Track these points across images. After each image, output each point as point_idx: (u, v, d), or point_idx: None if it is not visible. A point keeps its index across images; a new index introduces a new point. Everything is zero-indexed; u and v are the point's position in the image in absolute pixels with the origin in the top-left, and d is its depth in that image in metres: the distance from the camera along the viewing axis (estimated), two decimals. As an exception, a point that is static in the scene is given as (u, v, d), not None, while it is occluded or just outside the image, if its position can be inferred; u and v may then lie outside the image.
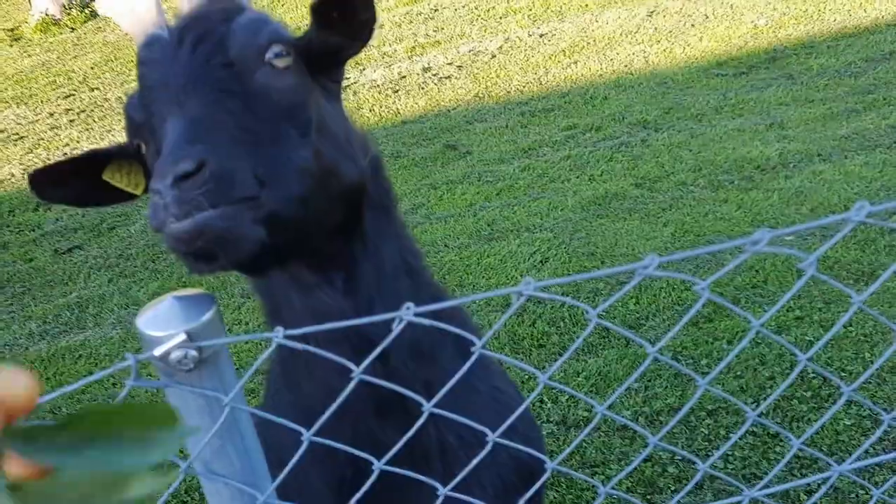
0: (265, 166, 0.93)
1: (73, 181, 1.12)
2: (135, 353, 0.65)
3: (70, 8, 8.45)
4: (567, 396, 2.97)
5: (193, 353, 0.67)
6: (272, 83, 1.01)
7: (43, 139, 6.07)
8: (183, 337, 0.67)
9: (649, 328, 3.22)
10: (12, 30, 8.54)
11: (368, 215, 1.09)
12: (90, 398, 3.23)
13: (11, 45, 8.19)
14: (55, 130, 6.18)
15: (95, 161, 1.15)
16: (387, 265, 1.10)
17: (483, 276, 3.74)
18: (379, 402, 1.08)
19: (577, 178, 4.42)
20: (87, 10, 8.47)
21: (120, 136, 5.85)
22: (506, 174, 4.60)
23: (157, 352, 0.66)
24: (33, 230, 4.81)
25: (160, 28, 1.01)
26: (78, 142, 5.92)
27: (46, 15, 8.41)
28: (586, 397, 0.95)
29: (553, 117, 5.17)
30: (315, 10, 1.03)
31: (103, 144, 5.74)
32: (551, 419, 2.90)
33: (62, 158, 1.15)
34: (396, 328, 0.75)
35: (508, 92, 5.61)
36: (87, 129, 6.10)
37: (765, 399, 2.84)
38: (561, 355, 3.20)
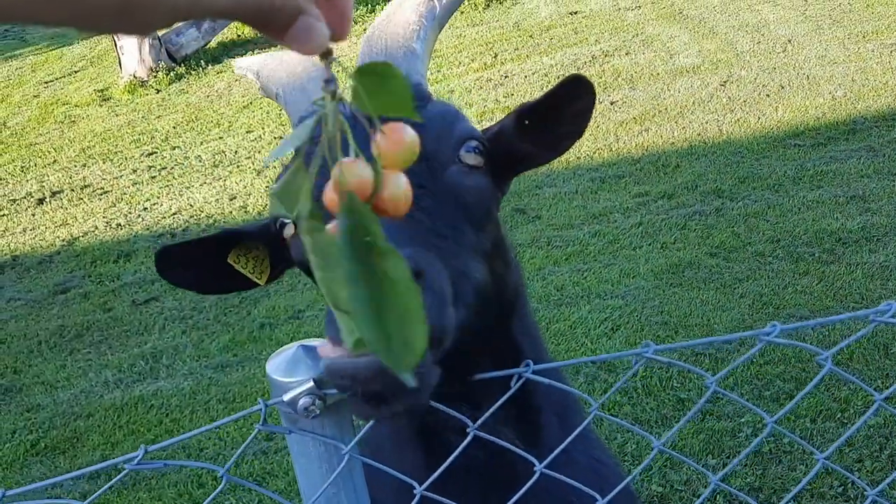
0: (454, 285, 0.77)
1: (199, 263, 1.04)
2: (264, 399, 0.65)
3: (157, 71, 8.88)
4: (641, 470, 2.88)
5: (320, 400, 0.67)
6: (463, 182, 0.90)
7: (126, 194, 6.31)
8: (310, 384, 0.67)
9: (727, 402, 3.11)
10: (102, 90, 9.01)
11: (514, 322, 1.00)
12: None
13: (101, 105, 8.62)
14: (137, 186, 6.43)
15: (224, 242, 1.06)
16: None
17: (552, 342, 3.68)
18: (479, 473, 1.05)
19: (649, 245, 4.36)
20: (172, 73, 8.89)
21: (198, 193, 6.05)
22: (575, 239, 4.58)
23: (286, 397, 0.67)
24: (113, 281, 4.97)
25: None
26: (158, 197, 6.14)
27: (134, 77, 8.86)
28: (698, 465, 0.91)
29: (624, 184, 5.15)
30: (521, 114, 0.95)
31: (183, 201, 5.97)
32: (624, 492, 2.80)
33: (192, 239, 1.08)
34: (515, 385, 0.74)
35: (578, 158, 5.62)
36: (168, 186, 6.33)
37: (852, 484, 2.69)
38: (633, 426, 3.11)
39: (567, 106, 0.98)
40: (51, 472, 3.29)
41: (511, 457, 0.93)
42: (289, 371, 0.68)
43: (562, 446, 0.81)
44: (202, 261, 1.04)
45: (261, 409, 0.65)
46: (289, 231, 0.97)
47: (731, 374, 3.21)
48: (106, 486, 0.68)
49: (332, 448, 0.71)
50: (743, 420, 2.96)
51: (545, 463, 0.81)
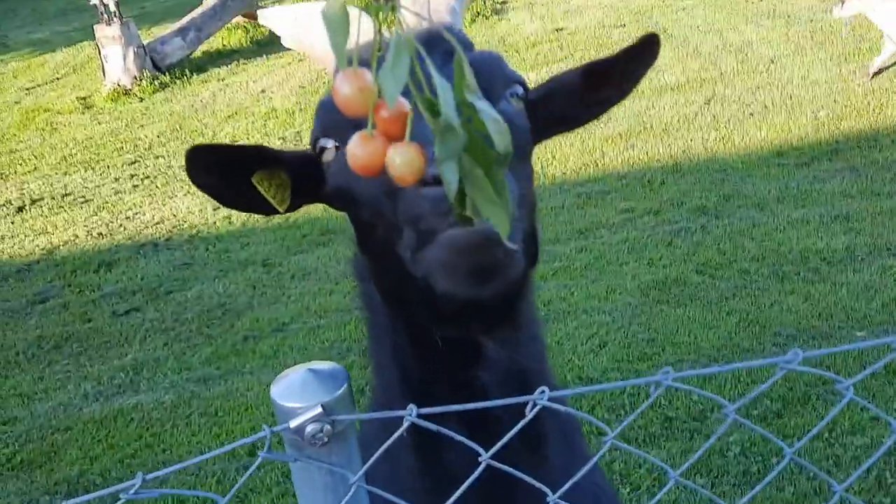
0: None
1: (225, 171, 1.02)
2: (269, 426, 0.62)
3: (141, 79, 8.80)
4: (629, 489, 2.85)
5: (328, 427, 0.64)
6: (512, 118, 0.94)
7: (108, 203, 6.23)
8: (319, 410, 0.64)
9: (715, 420, 3.10)
10: (85, 98, 8.90)
11: (522, 304, 1.03)
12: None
13: (83, 113, 8.52)
14: (119, 195, 6.35)
15: (256, 158, 1.05)
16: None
17: (539, 358, 3.66)
18: (476, 487, 1.02)
19: (636, 261, 4.37)
20: (156, 82, 8.81)
21: (181, 202, 5.98)
22: (562, 255, 4.57)
23: (293, 424, 0.64)
24: (93, 291, 4.89)
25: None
26: (140, 207, 6.07)
27: (118, 85, 8.76)
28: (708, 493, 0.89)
29: (610, 200, 5.16)
30: (589, 72, 1.02)
31: (165, 210, 5.89)
32: (613, 512, 2.78)
33: (225, 143, 1.08)
34: (530, 413, 0.72)
35: (564, 173, 5.63)
36: (150, 195, 6.26)
37: None
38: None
39: (636, 68, 1.03)
40: (27, 487, 3.21)
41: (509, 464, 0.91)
42: (295, 396, 0.65)
43: (576, 477, 0.78)
44: (228, 170, 1.02)
45: (266, 436, 0.62)
46: (328, 156, 1.00)
47: (717, 393, 3.20)
48: (101, 516, 0.64)
49: (338, 477, 0.68)
50: (731, 439, 2.95)
51: (559, 493, 0.78)
